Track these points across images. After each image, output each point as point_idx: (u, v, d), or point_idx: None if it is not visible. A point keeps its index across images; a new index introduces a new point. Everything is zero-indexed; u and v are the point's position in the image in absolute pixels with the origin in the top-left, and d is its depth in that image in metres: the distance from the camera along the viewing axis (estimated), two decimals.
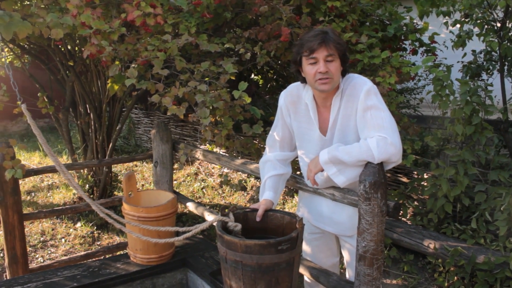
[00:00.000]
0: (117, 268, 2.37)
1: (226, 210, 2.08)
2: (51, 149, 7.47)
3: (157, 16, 2.60)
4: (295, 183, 2.38)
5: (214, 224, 2.02)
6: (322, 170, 1.98)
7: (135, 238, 2.32)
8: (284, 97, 2.16)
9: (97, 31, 2.48)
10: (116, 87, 2.79)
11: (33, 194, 5.27)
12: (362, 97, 1.91)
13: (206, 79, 2.73)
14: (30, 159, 7.04)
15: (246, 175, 5.25)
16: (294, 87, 2.14)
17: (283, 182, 2.26)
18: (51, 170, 3.30)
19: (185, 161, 3.21)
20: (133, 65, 2.76)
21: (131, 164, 6.61)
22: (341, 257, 2.46)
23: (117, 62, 2.89)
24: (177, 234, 2.61)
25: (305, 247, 2.41)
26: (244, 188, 3.00)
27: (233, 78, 2.74)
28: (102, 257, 3.67)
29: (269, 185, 2.19)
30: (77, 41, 4.15)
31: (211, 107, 2.52)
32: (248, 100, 2.53)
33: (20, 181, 6.00)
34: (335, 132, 2.01)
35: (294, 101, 2.12)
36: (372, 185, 1.85)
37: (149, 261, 2.40)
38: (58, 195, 5.11)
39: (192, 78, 2.60)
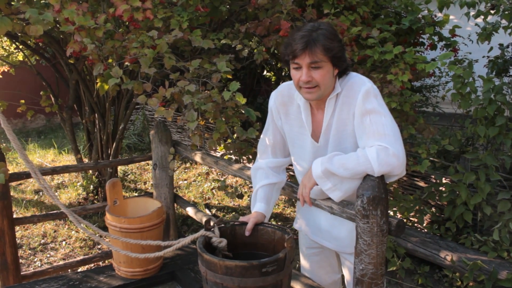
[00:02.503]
0: (99, 282, 2.21)
1: (212, 223, 1.89)
2: (66, 147, 7.46)
3: (146, 11, 2.42)
4: (291, 193, 2.17)
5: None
6: (317, 184, 1.75)
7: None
8: (275, 98, 1.94)
9: (80, 27, 2.31)
10: (106, 87, 2.63)
11: (41, 193, 5.21)
12: (360, 100, 1.67)
13: (203, 79, 2.54)
14: (45, 157, 7.02)
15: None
16: (286, 86, 1.92)
17: (276, 191, 2.04)
18: (46, 173, 3.17)
19: (175, 167, 3.03)
20: (127, 63, 2.59)
21: (143, 163, 6.49)
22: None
23: (110, 60, 2.73)
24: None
25: (304, 262, 2.21)
26: (240, 196, 2.80)
27: (229, 76, 2.54)
28: (100, 263, 3.54)
29: (260, 196, 1.98)
30: None
31: (204, 110, 2.32)
32: (243, 101, 2.32)
33: (31, 180, 5.98)
34: (330, 138, 1.78)
35: (285, 102, 1.90)
36: (371, 200, 1.63)
37: (133, 274, 2.24)
38: (65, 195, 5.02)
39: (183, 77, 2.41)
